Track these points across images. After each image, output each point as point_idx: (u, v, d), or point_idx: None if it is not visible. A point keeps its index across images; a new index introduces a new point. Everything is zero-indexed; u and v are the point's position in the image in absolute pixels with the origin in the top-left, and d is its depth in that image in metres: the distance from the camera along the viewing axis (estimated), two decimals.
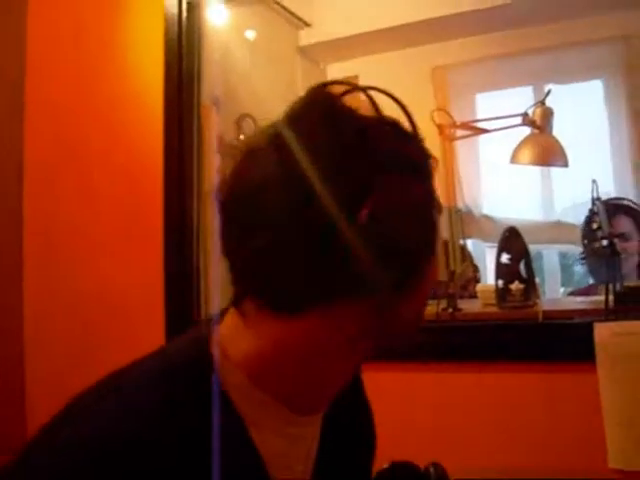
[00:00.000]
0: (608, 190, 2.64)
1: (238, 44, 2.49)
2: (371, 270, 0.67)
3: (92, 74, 2.12)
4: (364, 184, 0.67)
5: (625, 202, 2.01)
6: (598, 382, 1.51)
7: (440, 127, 2.00)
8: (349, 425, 0.89)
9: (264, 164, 0.70)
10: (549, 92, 2.05)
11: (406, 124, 0.74)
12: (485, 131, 2.11)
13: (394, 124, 0.73)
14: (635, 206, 2.01)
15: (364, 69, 2.67)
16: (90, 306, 2.04)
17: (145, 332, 1.94)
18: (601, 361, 1.47)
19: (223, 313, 0.76)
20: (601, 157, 2.91)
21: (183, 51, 1.99)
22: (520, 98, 2.38)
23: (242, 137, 2.51)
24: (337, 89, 0.74)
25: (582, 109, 2.94)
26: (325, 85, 0.75)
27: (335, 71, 2.93)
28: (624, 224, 2.00)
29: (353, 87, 0.74)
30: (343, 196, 0.66)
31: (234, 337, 0.72)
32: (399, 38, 2.72)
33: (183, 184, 1.95)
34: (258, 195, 0.69)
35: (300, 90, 2.56)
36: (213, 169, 2.37)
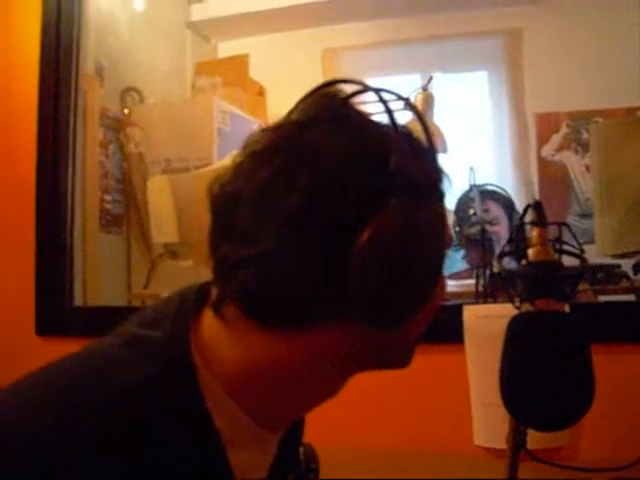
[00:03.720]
0: (489, 178, 2.71)
1: (124, 13, 2.41)
2: (368, 295, 0.63)
3: None
4: (370, 204, 0.62)
5: (491, 188, 2.08)
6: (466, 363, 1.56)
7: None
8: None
9: (267, 168, 0.65)
10: (431, 79, 2.09)
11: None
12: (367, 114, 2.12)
13: (410, 137, 0.69)
14: (502, 192, 2.09)
15: (256, 48, 2.64)
16: None
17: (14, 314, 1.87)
18: (468, 342, 1.52)
19: (196, 307, 0.70)
20: (484, 146, 3.00)
21: (62, 16, 1.90)
22: (409, 85, 2.41)
23: (126, 111, 2.44)
24: (346, 87, 0.70)
25: (469, 99, 3.02)
26: (334, 83, 0.71)
27: (227, 49, 2.88)
28: (493, 209, 2.07)
29: (364, 88, 0.69)
30: (348, 214, 0.62)
31: (216, 344, 0.66)
32: (291, 19, 2.70)
33: (57, 157, 1.87)
34: (260, 199, 0.64)
35: (189, 65, 2.51)
36: (96, 142, 2.30)
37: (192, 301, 0.69)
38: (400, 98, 0.71)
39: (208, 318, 0.68)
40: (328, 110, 0.68)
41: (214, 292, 0.69)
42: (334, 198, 0.63)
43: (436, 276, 0.68)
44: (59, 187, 1.88)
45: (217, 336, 0.67)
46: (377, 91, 0.68)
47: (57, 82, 1.91)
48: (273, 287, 0.64)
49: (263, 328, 0.65)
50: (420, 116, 0.71)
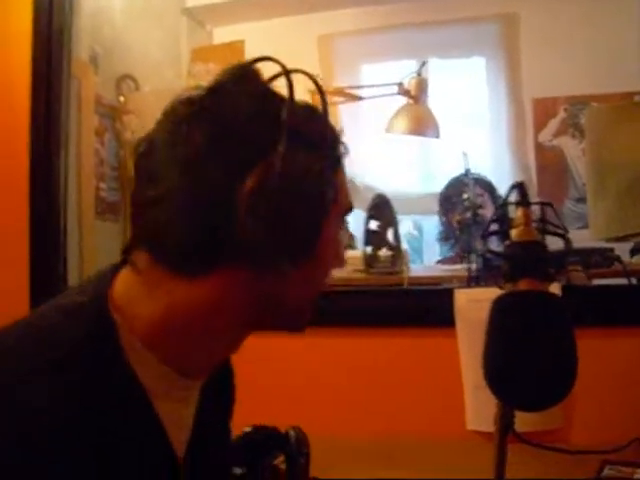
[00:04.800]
0: (486, 165, 2.71)
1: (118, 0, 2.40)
2: (256, 238, 0.69)
3: None
4: (257, 152, 0.69)
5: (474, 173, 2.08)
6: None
7: (312, 92, 1.99)
8: (217, 388, 0.88)
9: (175, 119, 0.72)
10: (424, 63, 2.08)
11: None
12: (359, 98, 2.12)
13: (307, 105, 0.75)
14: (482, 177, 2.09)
15: (251, 34, 2.63)
16: None
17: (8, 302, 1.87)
18: (459, 326, 1.53)
19: (117, 269, 0.75)
20: (481, 133, 2.98)
21: (54, 3, 1.89)
22: (404, 71, 2.40)
23: (122, 98, 2.44)
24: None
25: (466, 85, 3.01)
26: (254, 62, 0.77)
27: (222, 35, 2.87)
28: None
29: (267, 57, 0.76)
30: (237, 159, 0.69)
31: (131, 299, 0.71)
32: (286, 4, 2.70)
33: (51, 146, 1.87)
34: (166, 146, 0.72)
35: (185, 52, 2.50)
36: (91, 130, 2.30)
37: (113, 266, 0.76)
38: (302, 72, 0.76)
39: (124, 276, 0.74)
40: (235, 76, 0.75)
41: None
42: (227, 144, 0.70)
43: (316, 228, 0.73)
44: (53, 176, 1.89)
45: (132, 292, 0.72)
46: (287, 73, 0.74)
47: (50, 70, 1.90)
48: (173, 227, 0.69)
49: (170, 274, 0.70)
50: (316, 83, 0.78)
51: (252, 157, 0.69)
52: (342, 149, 0.80)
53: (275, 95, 0.74)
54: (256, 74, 0.75)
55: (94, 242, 2.18)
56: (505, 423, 1.03)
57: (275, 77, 0.75)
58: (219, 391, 0.90)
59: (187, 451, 0.78)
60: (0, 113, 1.94)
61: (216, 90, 0.74)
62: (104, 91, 2.36)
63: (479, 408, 1.52)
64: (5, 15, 1.96)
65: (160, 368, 0.71)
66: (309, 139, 0.72)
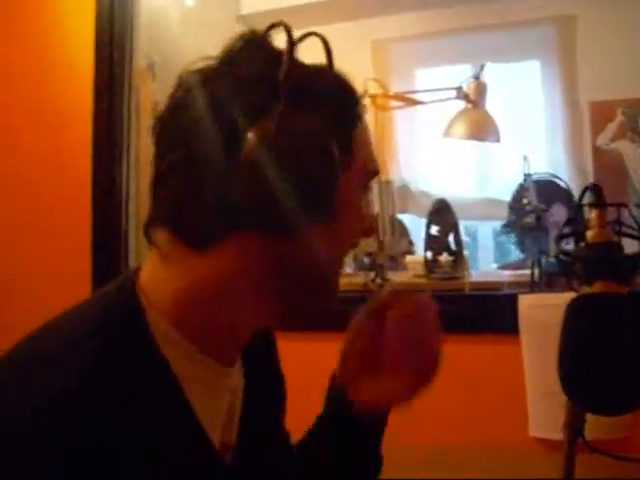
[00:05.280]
0: (543, 170, 2.67)
1: (175, 9, 2.44)
2: (259, 201, 0.68)
3: (22, 35, 2.06)
4: (255, 115, 0.68)
5: (544, 177, 2.04)
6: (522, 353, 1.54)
7: (373, 97, 2.00)
8: (266, 386, 0.89)
9: (187, 88, 0.73)
10: (483, 67, 2.06)
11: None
12: (418, 103, 2.11)
13: (311, 64, 0.76)
14: (562, 183, 2.05)
15: (306, 40, 2.64)
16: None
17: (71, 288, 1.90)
18: (524, 332, 1.50)
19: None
20: (536, 137, 2.94)
21: (115, 13, 1.95)
22: (459, 76, 2.38)
23: None
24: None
25: (520, 88, 2.97)
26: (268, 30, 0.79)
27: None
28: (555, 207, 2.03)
29: (279, 23, 0.77)
30: (237, 120, 0.69)
31: (157, 281, 0.72)
32: (341, 10, 2.70)
33: (112, 150, 1.92)
34: (177, 114, 0.72)
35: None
36: (149, 133, 2.33)
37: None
38: (316, 35, 0.78)
39: (150, 260, 0.75)
40: (244, 44, 0.76)
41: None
42: (226, 110, 0.69)
43: (326, 188, 0.71)
44: (114, 181, 1.93)
45: (157, 273, 0.73)
46: (287, 27, 0.76)
47: (111, 78, 1.95)
48: (181, 198, 0.70)
49: (188, 249, 0.71)
50: (327, 44, 0.77)
51: (250, 120, 0.68)
52: (359, 108, 0.77)
53: (276, 53, 0.74)
54: (265, 40, 0.77)
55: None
56: (575, 428, 1.01)
57: (270, 28, 0.78)
58: (268, 389, 0.89)
59: (236, 441, 0.77)
60: (63, 122, 1.99)
61: (224, 59, 0.75)
62: (161, 97, 2.39)
63: (544, 416, 1.50)
64: (68, 25, 2.01)
65: (186, 346, 0.71)
66: (311, 98, 0.71)
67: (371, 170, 0.80)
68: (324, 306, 0.80)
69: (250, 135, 0.67)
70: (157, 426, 0.66)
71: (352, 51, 2.77)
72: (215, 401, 0.75)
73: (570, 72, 2.92)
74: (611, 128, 2.88)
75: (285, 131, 0.68)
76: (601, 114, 2.88)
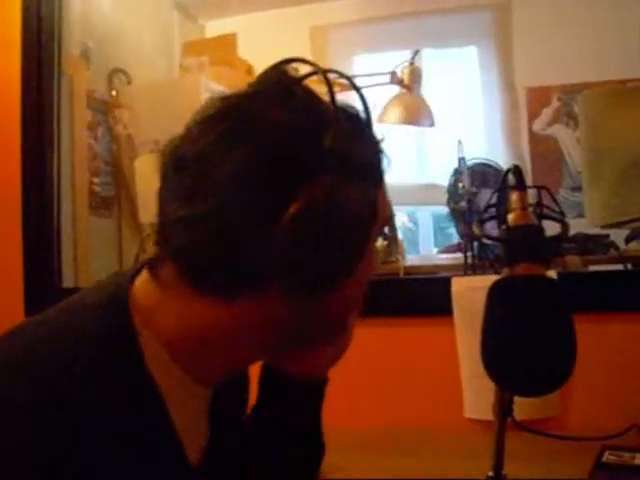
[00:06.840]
0: (480, 154, 2.70)
1: None
2: (294, 267, 0.66)
3: None
4: (302, 178, 0.65)
5: (479, 161, 2.07)
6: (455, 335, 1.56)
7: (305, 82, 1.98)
8: (231, 393, 0.87)
9: (211, 134, 0.67)
10: (417, 52, 2.07)
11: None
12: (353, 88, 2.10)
13: (352, 117, 0.71)
14: (493, 164, 2.08)
15: (243, 27, 2.62)
16: None
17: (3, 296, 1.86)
18: (457, 314, 1.52)
19: (135, 274, 0.73)
20: (475, 122, 2.98)
21: None
22: (397, 61, 2.39)
23: (114, 92, 2.42)
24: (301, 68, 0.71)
25: (459, 74, 3.00)
26: (287, 62, 0.72)
27: (214, 28, 2.86)
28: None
29: (316, 70, 0.70)
30: (279, 185, 0.65)
31: (152, 305, 0.70)
32: None
33: (42, 143, 1.86)
34: (202, 164, 0.67)
35: (176, 46, 2.47)
36: (84, 124, 2.28)
37: (131, 270, 0.74)
38: (350, 82, 0.72)
39: (143, 280, 0.72)
40: (275, 84, 0.70)
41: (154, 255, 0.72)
42: (267, 169, 0.65)
43: (359, 254, 0.70)
44: (45, 171, 1.87)
45: (153, 296, 0.70)
46: (324, 72, 0.69)
47: (40, 65, 1.89)
48: (205, 250, 0.66)
49: (196, 291, 0.68)
50: (363, 98, 0.73)
51: (297, 182, 0.65)
52: (385, 163, 0.74)
53: (319, 106, 0.69)
54: (295, 83, 0.70)
55: (88, 237, 2.17)
56: (503, 410, 1.03)
57: (307, 76, 0.70)
58: (233, 397, 0.87)
59: (203, 458, 0.76)
60: None
61: (254, 102, 0.69)
62: (96, 85, 2.34)
63: (477, 397, 1.52)
64: None
65: (174, 370, 0.70)
66: (357, 168, 0.68)
67: (388, 218, 0.78)
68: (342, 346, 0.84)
69: (296, 203, 0.64)
70: (132, 427, 0.65)
71: (290, 37, 2.77)
72: (194, 419, 0.75)
73: (506, 58, 2.96)
74: (547, 113, 2.93)
75: (335, 202, 0.65)
76: (537, 99, 2.93)
